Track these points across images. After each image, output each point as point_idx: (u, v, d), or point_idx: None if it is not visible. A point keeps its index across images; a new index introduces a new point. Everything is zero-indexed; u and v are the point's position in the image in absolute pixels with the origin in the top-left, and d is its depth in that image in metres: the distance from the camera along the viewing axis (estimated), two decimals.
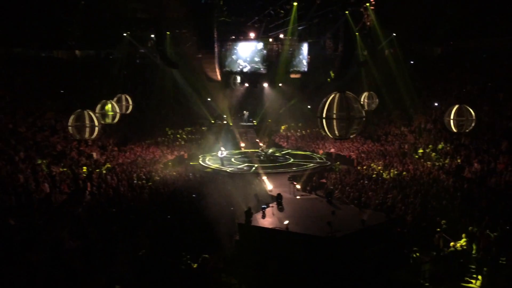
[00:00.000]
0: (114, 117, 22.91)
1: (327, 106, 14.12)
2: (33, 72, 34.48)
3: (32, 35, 35.06)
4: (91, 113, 18.32)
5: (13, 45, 36.14)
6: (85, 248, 14.90)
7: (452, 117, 19.21)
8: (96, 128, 18.53)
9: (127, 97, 25.78)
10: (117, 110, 23.04)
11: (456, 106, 19.28)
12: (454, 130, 19.50)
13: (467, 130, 19.62)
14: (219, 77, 36.38)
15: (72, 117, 18.12)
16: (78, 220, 17.15)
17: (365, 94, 27.47)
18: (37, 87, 32.59)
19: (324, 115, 14.22)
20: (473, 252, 14.82)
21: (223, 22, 36.95)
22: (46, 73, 35.56)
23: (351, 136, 15.61)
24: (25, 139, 24.23)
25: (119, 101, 24.89)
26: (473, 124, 19.30)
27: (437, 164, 23.76)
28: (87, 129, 18.10)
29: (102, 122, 21.57)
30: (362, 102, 27.04)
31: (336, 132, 14.31)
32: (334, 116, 14.06)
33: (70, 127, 18.38)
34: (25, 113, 27.62)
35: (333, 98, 14.06)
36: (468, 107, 19.22)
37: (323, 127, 14.48)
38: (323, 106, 14.20)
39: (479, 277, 13.96)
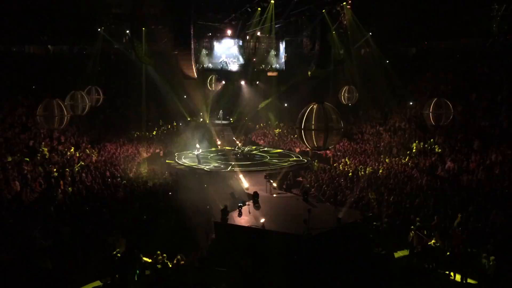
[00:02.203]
0: (83, 108, 22.38)
1: (305, 117, 14.08)
2: (3, 68, 33.47)
3: (3, 29, 34.01)
4: (60, 102, 17.84)
5: None
6: (57, 248, 14.60)
7: (430, 110, 19.66)
8: (65, 118, 18.06)
9: (98, 89, 25.25)
10: (87, 101, 22.52)
11: (434, 100, 19.76)
12: (433, 123, 19.92)
13: (445, 123, 20.08)
14: (195, 75, 36.06)
15: (40, 107, 17.63)
16: (49, 219, 16.76)
17: (345, 88, 27.83)
18: (8, 83, 31.64)
19: (302, 126, 14.19)
20: (446, 249, 15.06)
21: (200, 19, 36.63)
22: (17, 68, 34.59)
23: (330, 147, 15.63)
24: None
25: (89, 93, 24.32)
26: (450, 117, 19.75)
27: (411, 162, 24.10)
28: (56, 119, 17.62)
29: (71, 113, 21.10)
30: (342, 96, 27.41)
31: (315, 143, 14.30)
32: (313, 127, 14.04)
33: (38, 117, 17.90)
34: None
35: (312, 109, 14.03)
36: (446, 100, 19.67)
37: (302, 138, 14.46)
38: (302, 117, 14.14)
39: (452, 273, 14.24)
